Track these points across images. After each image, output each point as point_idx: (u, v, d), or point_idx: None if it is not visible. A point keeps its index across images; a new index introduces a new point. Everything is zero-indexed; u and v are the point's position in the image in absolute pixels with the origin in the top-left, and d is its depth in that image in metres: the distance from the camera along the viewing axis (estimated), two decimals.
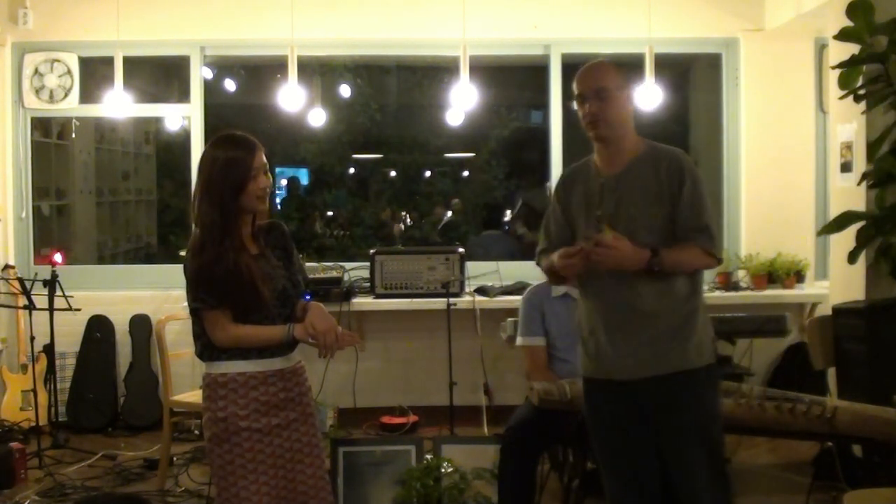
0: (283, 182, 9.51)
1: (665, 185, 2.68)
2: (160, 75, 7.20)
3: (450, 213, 8.76)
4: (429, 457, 4.00)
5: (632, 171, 2.71)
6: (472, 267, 5.67)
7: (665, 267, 2.61)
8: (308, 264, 5.66)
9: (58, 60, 5.76)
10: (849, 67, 4.13)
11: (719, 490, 2.71)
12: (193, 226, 2.71)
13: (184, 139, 6.30)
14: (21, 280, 5.16)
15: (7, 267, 5.53)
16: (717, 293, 5.55)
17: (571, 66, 6.04)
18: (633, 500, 2.77)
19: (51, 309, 5.04)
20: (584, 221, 2.77)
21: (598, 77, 2.71)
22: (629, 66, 5.96)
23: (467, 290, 5.54)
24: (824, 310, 4.90)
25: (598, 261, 2.58)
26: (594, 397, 2.83)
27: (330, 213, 9.34)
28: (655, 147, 2.76)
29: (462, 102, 5.64)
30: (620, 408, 2.74)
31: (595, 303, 2.77)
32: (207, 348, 2.67)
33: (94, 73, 6.07)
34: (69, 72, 5.77)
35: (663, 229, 2.69)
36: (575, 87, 2.75)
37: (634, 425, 2.74)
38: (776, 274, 5.62)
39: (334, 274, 5.51)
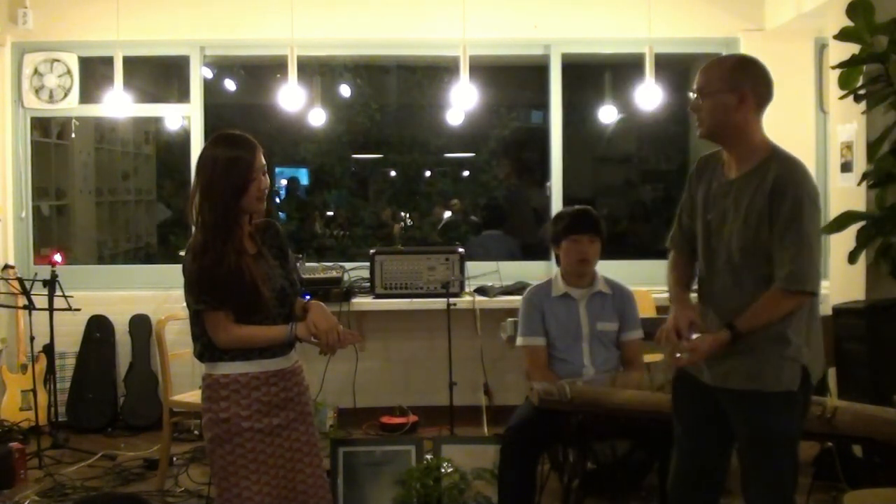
0: (283, 182, 9.50)
1: (766, 204, 2.49)
2: (160, 75, 7.20)
3: (448, 213, 8.76)
4: (429, 457, 4.00)
5: (744, 182, 2.55)
6: (472, 267, 5.67)
7: (748, 333, 2.51)
8: (308, 264, 5.67)
9: (57, 60, 5.75)
10: (849, 67, 4.14)
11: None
12: (193, 227, 2.69)
13: (184, 139, 6.30)
14: (21, 280, 5.15)
15: (7, 267, 5.53)
16: None
17: (571, 66, 6.05)
18: (690, 475, 2.78)
19: (50, 309, 5.04)
20: (699, 222, 2.70)
21: (700, 74, 2.61)
22: (629, 68, 6.00)
23: (467, 290, 5.54)
24: (824, 310, 4.87)
25: (690, 362, 2.58)
26: (682, 384, 2.80)
27: (330, 213, 9.33)
28: (773, 157, 2.55)
29: (462, 102, 5.64)
30: (700, 404, 2.73)
31: (703, 305, 2.73)
32: (208, 349, 2.66)
33: (94, 73, 6.07)
34: (69, 72, 5.77)
35: (760, 253, 2.54)
36: None
37: (712, 420, 2.72)
38: None
39: (334, 274, 5.51)
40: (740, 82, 2.54)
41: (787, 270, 2.47)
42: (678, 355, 2.60)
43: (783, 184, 2.49)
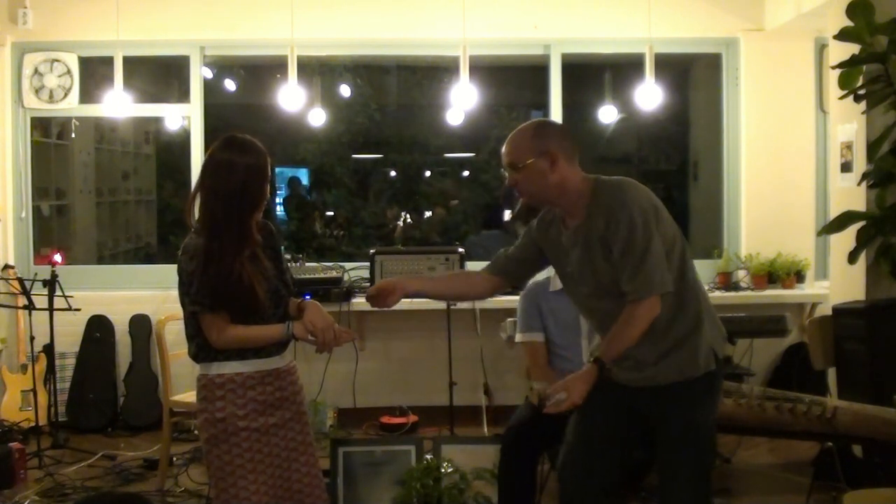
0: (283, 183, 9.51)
1: (606, 236, 2.59)
2: (160, 75, 7.19)
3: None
4: (429, 457, 4.00)
5: (584, 227, 2.65)
6: (471, 267, 5.66)
7: (614, 359, 2.61)
8: (308, 264, 5.67)
9: (58, 60, 5.76)
10: (849, 67, 4.14)
11: (699, 493, 2.71)
12: (192, 228, 2.66)
13: (184, 139, 6.30)
14: (21, 280, 5.15)
15: (7, 267, 5.53)
16: (718, 293, 5.55)
17: (571, 66, 6.05)
18: (588, 463, 2.80)
19: (51, 309, 5.04)
20: (559, 271, 2.83)
21: (506, 153, 2.70)
22: (629, 68, 6.00)
23: None
24: (824, 310, 4.90)
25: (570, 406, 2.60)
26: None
27: (330, 214, 9.33)
28: (597, 192, 2.65)
29: (462, 102, 5.64)
30: (614, 395, 2.75)
31: (589, 330, 2.82)
32: (203, 349, 2.65)
33: (94, 73, 6.07)
34: (69, 72, 5.77)
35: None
36: None
37: (622, 411, 2.77)
38: (776, 274, 5.63)
39: (334, 274, 5.51)
40: (546, 145, 2.64)
41: (632, 286, 2.56)
42: (554, 400, 2.60)
43: (612, 211, 2.59)
